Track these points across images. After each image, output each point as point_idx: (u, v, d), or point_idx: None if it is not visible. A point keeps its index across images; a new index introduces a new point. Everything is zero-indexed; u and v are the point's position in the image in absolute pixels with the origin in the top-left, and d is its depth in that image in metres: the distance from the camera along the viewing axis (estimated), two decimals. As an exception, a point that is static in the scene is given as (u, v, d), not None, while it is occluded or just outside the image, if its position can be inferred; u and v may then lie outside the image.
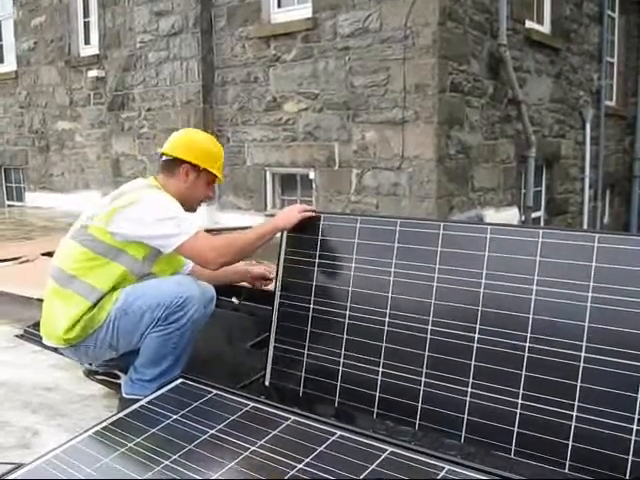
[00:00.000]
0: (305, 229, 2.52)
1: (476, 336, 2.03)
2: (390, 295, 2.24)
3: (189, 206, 2.56)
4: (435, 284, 2.16)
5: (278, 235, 2.60)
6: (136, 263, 2.37)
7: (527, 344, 1.94)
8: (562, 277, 1.93)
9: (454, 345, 2.07)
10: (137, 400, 2.24)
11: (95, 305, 2.32)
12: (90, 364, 2.65)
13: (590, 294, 1.87)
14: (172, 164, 2.52)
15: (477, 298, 2.06)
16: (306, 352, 2.42)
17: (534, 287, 1.96)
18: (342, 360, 2.31)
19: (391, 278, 2.26)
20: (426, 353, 2.12)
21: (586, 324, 1.86)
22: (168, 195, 2.42)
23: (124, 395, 2.43)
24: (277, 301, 2.53)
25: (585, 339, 1.85)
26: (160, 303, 2.27)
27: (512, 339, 1.97)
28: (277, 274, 2.56)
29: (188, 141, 2.58)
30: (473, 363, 2.02)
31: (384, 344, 2.22)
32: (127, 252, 2.34)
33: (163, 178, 2.54)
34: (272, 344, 2.52)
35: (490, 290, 2.04)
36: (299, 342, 2.44)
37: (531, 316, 1.95)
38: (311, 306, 2.44)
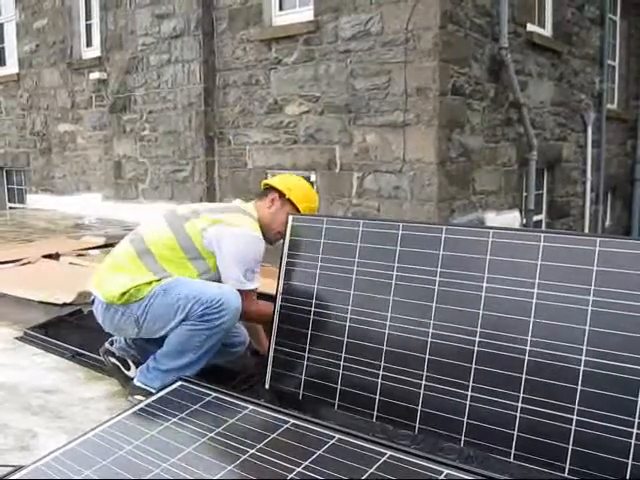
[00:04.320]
0: (307, 233, 2.52)
1: (477, 339, 2.03)
2: (391, 298, 2.24)
3: (268, 236, 2.68)
4: (436, 287, 2.16)
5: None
6: (208, 272, 2.52)
7: (528, 347, 1.94)
8: (563, 281, 1.92)
9: (455, 348, 2.07)
10: (144, 389, 2.38)
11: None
12: (111, 344, 2.73)
13: (591, 298, 1.87)
14: (264, 191, 2.77)
15: (478, 302, 2.06)
16: (307, 355, 2.42)
17: (535, 290, 1.96)
18: (342, 363, 2.31)
19: (393, 281, 2.26)
20: (427, 356, 2.12)
21: (587, 327, 1.86)
22: (259, 236, 2.56)
23: (135, 383, 2.50)
24: (278, 304, 2.54)
25: (586, 342, 1.85)
26: (197, 297, 2.36)
27: (513, 342, 1.97)
28: (279, 277, 2.57)
29: (288, 177, 2.89)
30: (474, 367, 2.02)
31: (385, 347, 2.22)
32: (205, 259, 2.51)
33: (256, 202, 2.75)
34: (273, 347, 2.52)
35: (491, 293, 2.04)
36: (300, 345, 2.44)
37: (532, 319, 1.95)
38: (312, 309, 2.44)
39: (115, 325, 2.54)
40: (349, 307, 2.35)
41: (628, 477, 1.71)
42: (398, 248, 2.27)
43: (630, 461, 1.72)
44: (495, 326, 2.01)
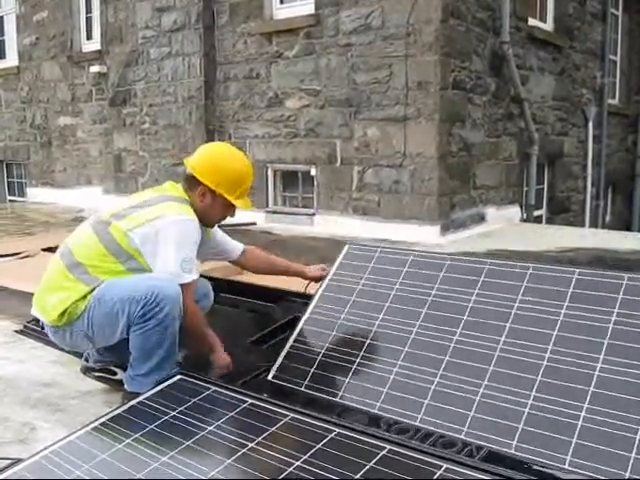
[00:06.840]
0: (359, 256, 2.79)
1: (498, 346, 2.17)
2: (424, 311, 2.41)
3: (206, 223, 2.58)
4: (470, 305, 2.34)
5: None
6: (142, 270, 2.40)
7: (547, 355, 2.07)
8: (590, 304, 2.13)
9: (475, 352, 2.18)
10: (140, 394, 2.25)
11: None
12: (87, 360, 2.67)
13: (613, 318, 2.07)
14: (191, 180, 2.51)
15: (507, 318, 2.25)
16: (322, 351, 2.49)
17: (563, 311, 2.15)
18: (357, 359, 2.37)
19: (429, 298, 2.45)
20: (446, 358, 2.22)
21: (606, 341, 2.01)
22: (191, 218, 2.42)
23: (127, 389, 2.45)
24: (311, 308, 2.68)
25: (603, 353, 1.99)
26: (131, 297, 2.26)
27: (530, 350, 2.10)
28: (319, 288, 2.76)
29: (212, 161, 2.53)
30: (491, 368, 2.12)
31: (406, 349, 2.32)
32: (136, 259, 2.38)
33: (186, 190, 2.52)
34: (290, 343, 2.60)
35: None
36: (318, 343, 2.53)
37: (555, 333, 2.11)
38: (342, 315, 2.57)
39: (69, 344, 2.51)
40: (380, 315, 2.49)
41: (629, 472, 1.71)
42: (441, 274, 2.50)
43: (633, 455, 1.72)
44: (515, 334, 2.16)
